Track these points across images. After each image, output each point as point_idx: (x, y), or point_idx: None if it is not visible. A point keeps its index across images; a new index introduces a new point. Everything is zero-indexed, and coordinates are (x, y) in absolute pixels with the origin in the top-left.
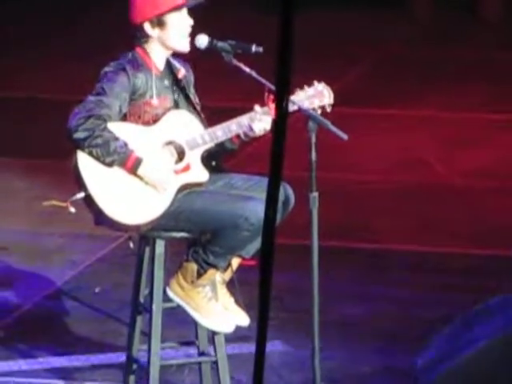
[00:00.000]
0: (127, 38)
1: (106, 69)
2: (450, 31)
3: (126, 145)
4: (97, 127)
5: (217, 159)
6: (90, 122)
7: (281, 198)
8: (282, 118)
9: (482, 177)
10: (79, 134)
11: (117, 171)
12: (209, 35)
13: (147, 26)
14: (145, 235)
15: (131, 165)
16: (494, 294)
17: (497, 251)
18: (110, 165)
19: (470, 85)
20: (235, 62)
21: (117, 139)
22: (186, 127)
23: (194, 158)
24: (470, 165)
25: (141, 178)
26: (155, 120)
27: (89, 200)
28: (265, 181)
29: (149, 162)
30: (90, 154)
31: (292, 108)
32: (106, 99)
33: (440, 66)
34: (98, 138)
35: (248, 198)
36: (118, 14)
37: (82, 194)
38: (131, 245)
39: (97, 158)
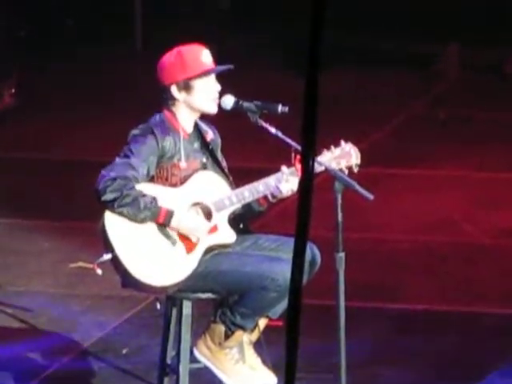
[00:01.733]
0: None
1: (135, 131)
2: (478, 91)
3: (155, 199)
4: (124, 187)
5: (244, 221)
6: (117, 183)
7: (307, 258)
8: (308, 178)
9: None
10: (108, 196)
11: (144, 233)
12: (235, 96)
13: (174, 89)
14: (172, 296)
15: (163, 218)
16: None
17: None
18: (142, 221)
19: (498, 145)
20: (261, 122)
21: (145, 195)
22: (213, 189)
23: (221, 219)
24: (499, 225)
25: (168, 239)
26: (182, 182)
27: (116, 261)
28: (292, 241)
29: (180, 213)
30: (122, 213)
31: (319, 169)
32: (134, 161)
33: (467, 126)
34: (127, 197)
35: (274, 259)
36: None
37: (109, 256)
38: (158, 306)
39: (129, 217)
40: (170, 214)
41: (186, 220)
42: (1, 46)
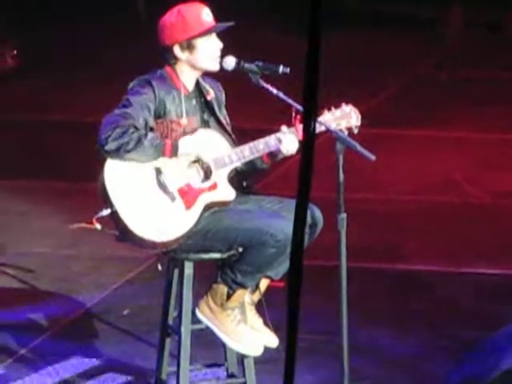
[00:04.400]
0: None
1: (133, 83)
2: (479, 52)
3: (157, 136)
4: (125, 134)
5: (248, 179)
6: (117, 132)
7: (309, 220)
8: (309, 138)
9: None
10: (110, 146)
11: (143, 188)
12: (236, 56)
13: (177, 49)
14: (173, 257)
15: (170, 150)
16: None
17: None
18: (151, 160)
19: (500, 106)
20: (262, 83)
21: (145, 135)
22: (213, 146)
23: (220, 176)
24: (499, 185)
25: (167, 194)
26: None
27: (115, 217)
28: (294, 203)
29: (185, 141)
30: (129, 159)
31: (319, 129)
32: (132, 111)
33: (469, 87)
34: (130, 142)
35: (274, 216)
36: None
37: (108, 211)
38: (159, 267)
39: (137, 160)
40: (175, 145)
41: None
42: (1, 7)
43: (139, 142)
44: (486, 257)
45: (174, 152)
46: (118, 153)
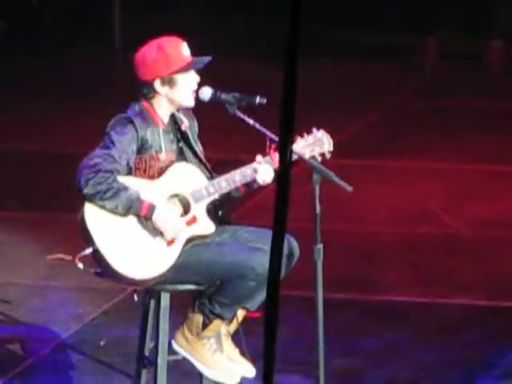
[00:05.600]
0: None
1: (113, 121)
2: (456, 81)
3: (137, 193)
4: (105, 181)
5: (223, 209)
6: (99, 176)
7: (285, 250)
8: (285, 170)
9: (490, 227)
10: (89, 190)
11: (124, 225)
12: (212, 87)
13: (157, 84)
14: (150, 288)
15: (146, 211)
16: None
17: (504, 302)
18: (125, 215)
19: (477, 135)
20: (239, 113)
21: (126, 189)
22: (190, 180)
23: (199, 210)
24: (477, 216)
25: (149, 231)
26: (160, 173)
27: (97, 255)
28: (270, 233)
29: (161, 208)
30: (104, 207)
31: (293, 157)
32: (114, 152)
33: (444, 117)
34: (109, 191)
35: (254, 249)
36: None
37: (90, 250)
38: (135, 298)
39: (111, 211)
40: (151, 208)
41: (165, 218)
42: None
43: (117, 193)
44: (462, 288)
45: (150, 213)
46: (94, 198)
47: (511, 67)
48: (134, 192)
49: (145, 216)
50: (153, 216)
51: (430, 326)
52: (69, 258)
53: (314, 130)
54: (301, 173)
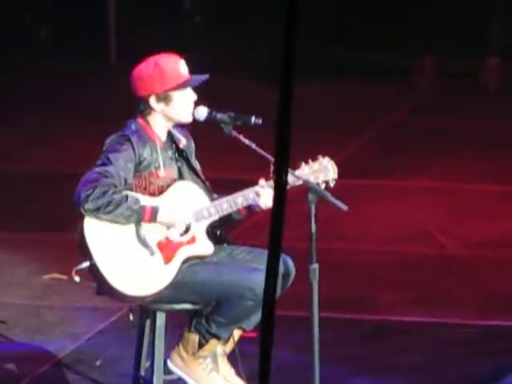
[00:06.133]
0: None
1: (111, 139)
2: (453, 100)
3: (137, 200)
4: (105, 194)
5: (221, 229)
6: (98, 191)
7: (281, 270)
8: (281, 190)
9: (487, 248)
10: (90, 205)
11: (122, 242)
12: (208, 107)
13: (152, 100)
14: (145, 307)
15: (149, 215)
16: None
17: (499, 321)
18: (129, 223)
19: (474, 154)
20: (235, 133)
21: (126, 198)
22: (191, 199)
23: (199, 230)
24: (473, 235)
25: (147, 248)
26: (161, 191)
27: (94, 269)
28: (266, 253)
29: (164, 206)
30: (107, 220)
31: (297, 183)
32: (112, 169)
33: (443, 136)
34: (110, 204)
35: (251, 269)
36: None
37: (87, 264)
38: (131, 317)
39: (115, 222)
40: (154, 211)
41: (171, 213)
42: None
43: (119, 204)
44: (459, 308)
45: (153, 217)
46: (96, 213)
47: (507, 85)
48: (134, 200)
49: (149, 220)
50: (158, 216)
51: (426, 346)
52: (64, 277)
53: (320, 156)
54: (297, 193)
